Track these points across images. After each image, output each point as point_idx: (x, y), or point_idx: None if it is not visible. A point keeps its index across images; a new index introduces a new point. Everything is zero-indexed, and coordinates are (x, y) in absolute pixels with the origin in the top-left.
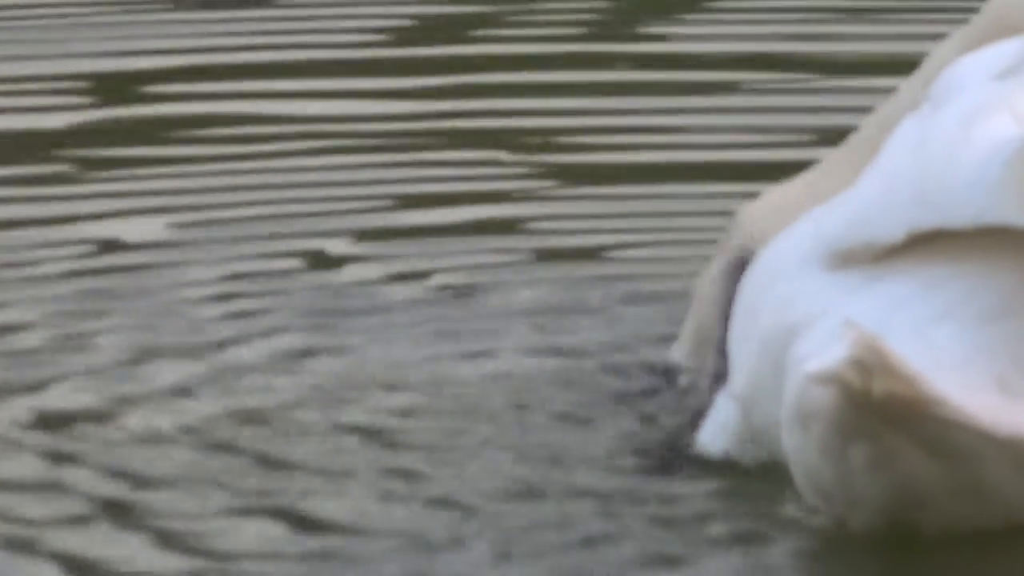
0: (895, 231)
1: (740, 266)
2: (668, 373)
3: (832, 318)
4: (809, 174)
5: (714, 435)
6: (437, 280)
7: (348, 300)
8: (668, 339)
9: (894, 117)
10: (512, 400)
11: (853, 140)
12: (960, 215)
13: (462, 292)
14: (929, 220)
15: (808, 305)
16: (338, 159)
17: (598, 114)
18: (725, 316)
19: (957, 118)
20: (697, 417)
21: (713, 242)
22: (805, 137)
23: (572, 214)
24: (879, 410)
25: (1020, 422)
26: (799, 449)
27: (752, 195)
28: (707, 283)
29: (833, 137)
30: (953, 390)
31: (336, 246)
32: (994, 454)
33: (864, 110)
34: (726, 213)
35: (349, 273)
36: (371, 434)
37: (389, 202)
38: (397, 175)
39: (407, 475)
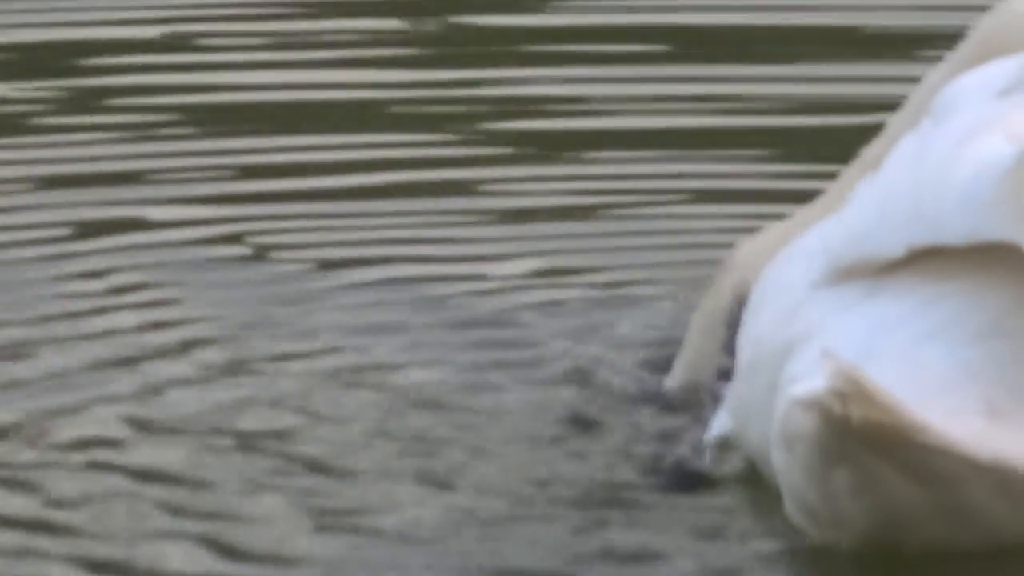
0: (894, 248)
1: (740, 307)
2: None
3: (824, 338)
4: (805, 211)
5: (713, 452)
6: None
7: (285, 290)
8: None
9: (886, 153)
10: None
11: (847, 175)
12: (955, 232)
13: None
14: (925, 237)
15: (805, 321)
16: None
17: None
18: (728, 352)
19: (955, 135)
20: (692, 435)
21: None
22: (739, 105)
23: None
24: (859, 436)
25: (1001, 447)
26: (785, 469)
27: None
28: (702, 316)
29: (764, 105)
30: (934, 416)
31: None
32: (976, 479)
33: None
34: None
35: (286, 263)
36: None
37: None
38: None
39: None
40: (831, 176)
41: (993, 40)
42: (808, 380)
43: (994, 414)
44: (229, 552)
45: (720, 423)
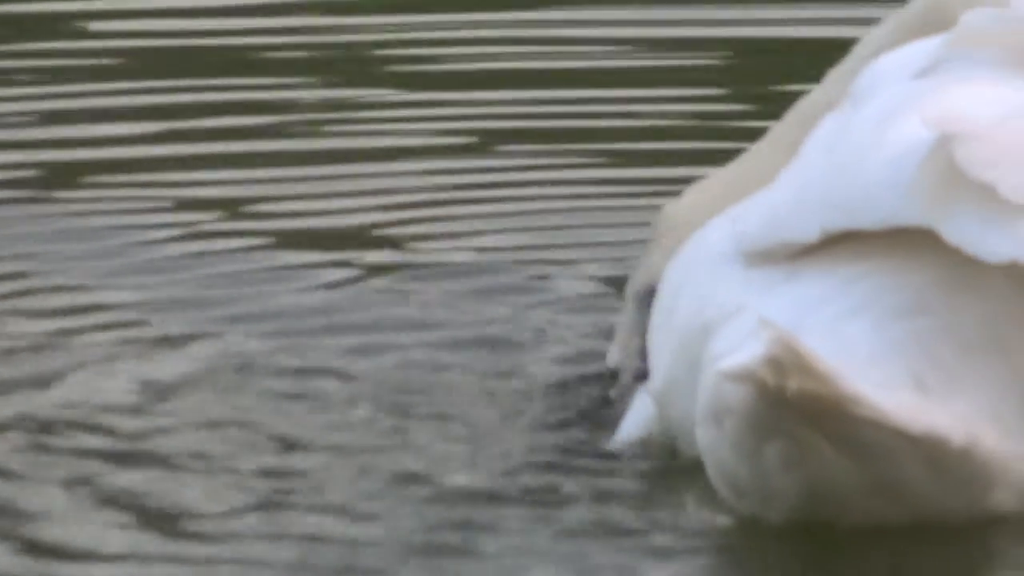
0: (809, 231)
1: (651, 293)
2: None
3: (748, 315)
4: (730, 169)
5: (632, 431)
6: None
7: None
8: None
9: (818, 108)
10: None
11: (776, 132)
12: (871, 216)
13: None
14: (842, 221)
15: (725, 302)
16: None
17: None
18: (642, 335)
19: (872, 118)
20: (614, 414)
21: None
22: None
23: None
24: (794, 408)
25: (933, 420)
26: (713, 445)
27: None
28: (631, 293)
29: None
30: (868, 388)
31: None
32: (908, 451)
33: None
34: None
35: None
36: (242, 428)
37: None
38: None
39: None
40: (745, 115)
41: (936, 10)
42: (737, 354)
43: (922, 388)
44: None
45: (640, 404)
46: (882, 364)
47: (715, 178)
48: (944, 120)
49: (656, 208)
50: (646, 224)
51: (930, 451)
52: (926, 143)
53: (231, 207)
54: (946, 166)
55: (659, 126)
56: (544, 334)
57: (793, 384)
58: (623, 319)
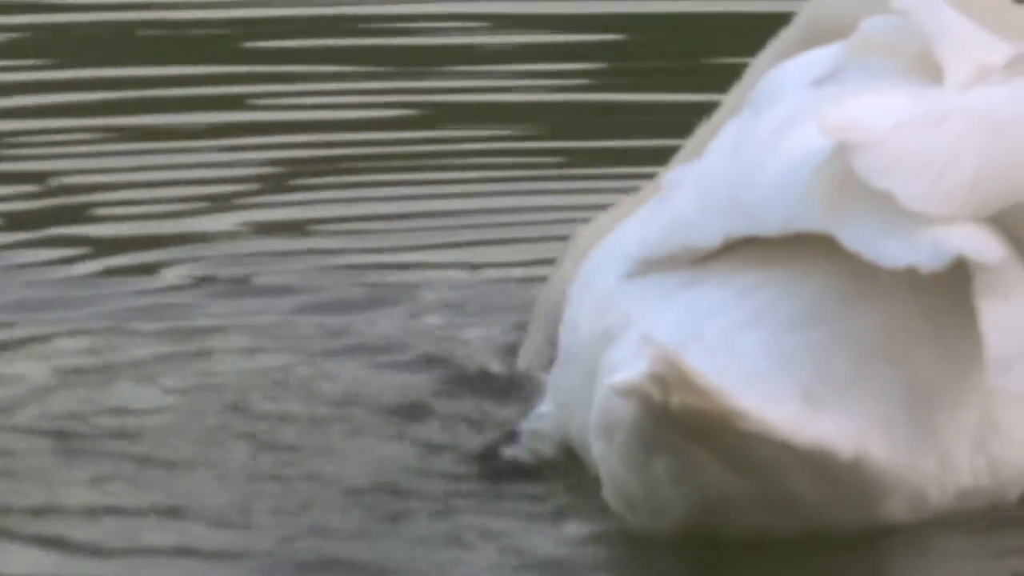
0: (710, 237)
1: (559, 304)
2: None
3: (641, 327)
4: (640, 194)
5: (531, 439)
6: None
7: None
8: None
9: (716, 130)
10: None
11: (686, 149)
12: (770, 222)
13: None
14: (741, 227)
15: (621, 312)
16: None
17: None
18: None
19: (771, 125)
20: (517, 423)
21: None
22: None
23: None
24: (679, 423)
25: (820, 432)
26: (604, 458)
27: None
28: (541, 304)
29: None
30: (753, 402)
31: None
32: (795, 464)
33: None
34: None
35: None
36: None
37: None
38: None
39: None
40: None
41: (816, 27)
42: (627, 368)
43: (810, 400)
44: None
45: (542, 412)
46: (772, 377)
47: (627, 200)
48: (841, 128)
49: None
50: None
51: (817, 463)
52: (824, 151)
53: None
54: (844, 174)
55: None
56: (438, 340)
57: (676, 400)
58: (533, 328)
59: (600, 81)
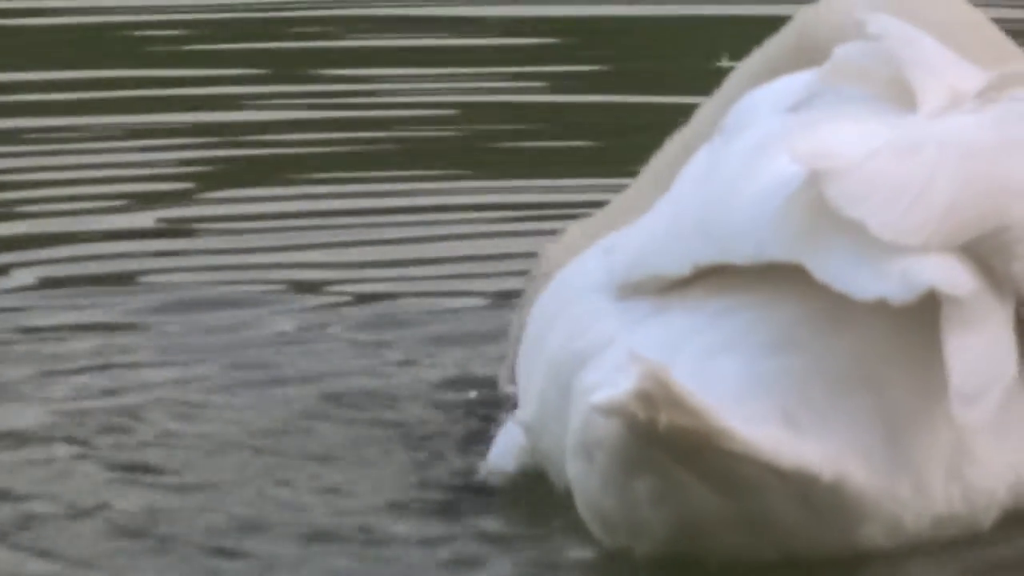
0: (680, 265)
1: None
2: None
3: (619, 348)
4: (609, 208)
5: (501, 462)
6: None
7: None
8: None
9: (694, 142)
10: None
11: (654, 165)
12: (741, 251)
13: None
14: (712, 255)
15: (596, 333)
16: None
17: None
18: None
19: (743, 152)
20: (488, 444)
21: None
22: None
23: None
24: (664, 443)
25: (802, 454)
26: (582, 478)
27: None
28: (514, 326)
29: None
30: (738, 422)
31: None
32: (777, 486)
33: None
34: None
35: None
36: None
37: None
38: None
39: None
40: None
41: (806, 38)
42: (608, 388)
43: (791, 424)
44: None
45: (511, 434)
46: (751, 400)
47: (595, 216)
48: (813, 156)
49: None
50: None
51: (799, 485)
52: (796, 178)
53: None
54: (815, 202)
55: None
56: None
57: (663, 418)
58: (509, 351)
59: (543, 83)
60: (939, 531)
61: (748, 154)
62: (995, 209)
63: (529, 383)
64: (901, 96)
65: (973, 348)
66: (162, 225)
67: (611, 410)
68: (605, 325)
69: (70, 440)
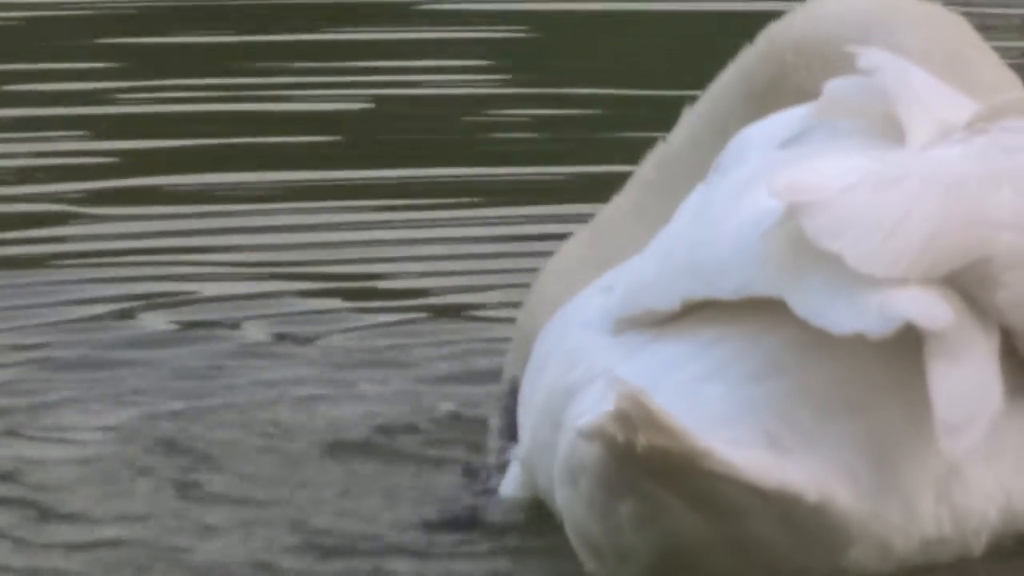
0: (670, 301)
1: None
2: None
3: (607, 378)
4: (594, 224)
5: (504, 494)
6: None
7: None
8: None
9: (672, 156)
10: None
11: (634, 182)
12: (725, 286)
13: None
14: (700, 291)
15: (586, 367)
16: None
17: None
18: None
19: (732, 188)
20: (486, 477)
21: None
22: None
23: None
24: (644, 464)
25: (786, 475)
26: (569, 504)
27: None
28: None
29: None
30: (719, 444)
31: None
32: (761, 507)
33: None
34: None
35: None
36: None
37: None
38: None
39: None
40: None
41: (774, 53)
42: (591, 413)
43: (774, 446)
44: None
45: (511, 469)
46: (736, 423)
47: (576, 239)
48: (791, 190)
49: None
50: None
51: (783, 507)
52: (775, 213)
53: None
54: (794, 236)
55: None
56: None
57: (643, 439)
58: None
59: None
60: (929, 554)
61: (736, 190)
62: (977, 240)
63: (527, 419)
64: (893, 130)
65: (956, 379)
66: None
67: (592, 433)
68: (596, 359)
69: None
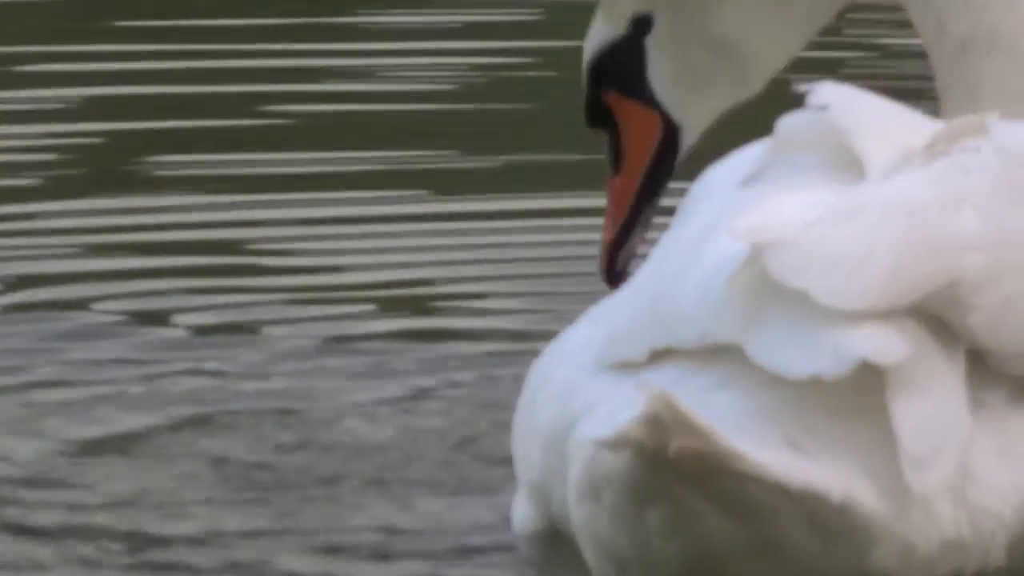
0: (638, 351)
1: None
2: None
3: (612, 400)
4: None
5: (518, 522)
6: None
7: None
8: None
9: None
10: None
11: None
12: (687, 335)
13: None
14: (665, 339)
15: (586, 397)
16: None
17: None
18: None
19: (693, 232)
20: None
21: None
22: None
23: None
24: (675, 468)
25: (811, 475)
26: (590, 521)
27: None
28: None
29: None
30: (748, 445)
31: None
32: (786, 509)
33: None
34: None
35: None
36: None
37: None
38: None
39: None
40: None
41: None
42: (612, 423)
43: (796, 448)
44: None
45: (516, 506)
46: (753, 428)
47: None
48: (753, 231)
49: None
50: None
51: (809, 507)
52: (738, 257)
53: None
54: (758, 278)
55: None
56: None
57: (674, 442)
58: None
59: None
60: (950, 557)
61: (696, 233)
62: (944, 265)
63: (525, 449)
64: (850, 162)
65: (919, 412)
66: None
67: (619, 442)
68: (594, 387)
69: None
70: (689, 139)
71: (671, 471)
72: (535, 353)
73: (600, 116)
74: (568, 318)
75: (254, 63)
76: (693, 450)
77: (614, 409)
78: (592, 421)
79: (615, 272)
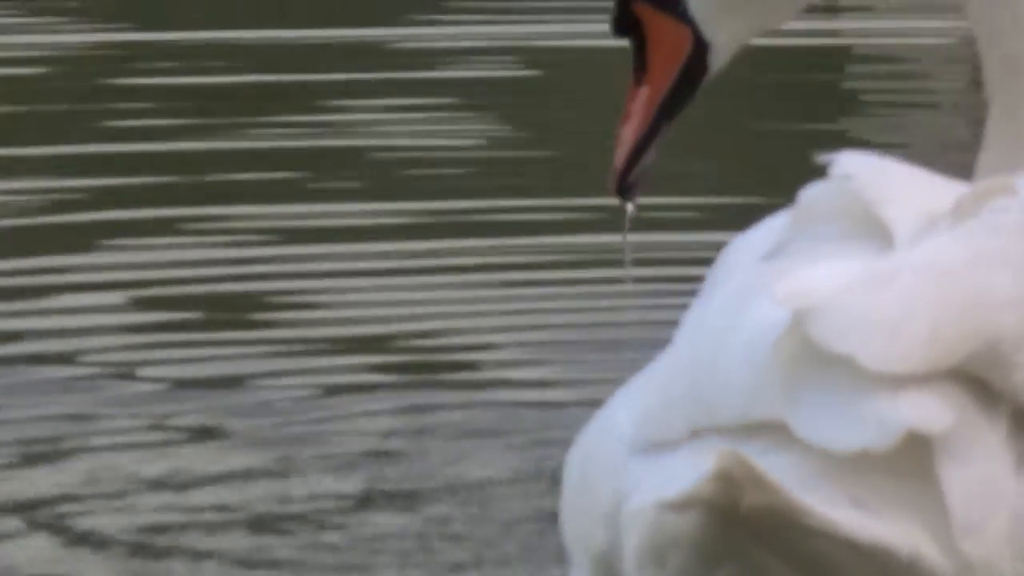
0: (679, 432)
1: None
2: None
3: (660, 471)
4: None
5: None
6: None
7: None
8: None
9: None
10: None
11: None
12: (729, 414)
13: None
14: (705, 419)
15: (629, 476)
16: None
17: None
18: None
19: (723, 306)
20: None
21: None
22: None
23: None
24: (747, 524)
25: (877, 531)
26: None
27: None
28: None
29: None
30: (815, 501)
31: None
32: (855, 564)
33: None
34: None
35: None
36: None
37: None
38: None
39: None
40: None
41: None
42: (674, 485)
43: (861, 506)
44: None
45: None
46: (815, 487)
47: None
48: (794, 296)
49: None
50: None
51: (878, 562)
52: (777, 325)
53: None
54: (801, 347)
55: None
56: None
57: (747, 498)
58: None
59: None
60: None
61: (727, 308)
62: (981, 324)
63: (581, 525)
64: (876, 231)
65: (967, 479)
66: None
67: (688, 501)
68: (636, 466)
69: None
70: (718, 60)
71: (742, 528)
72: (549, 406)
73: (626, 26)
74: (581, 371)
75: (245, 120)
76: (765, 506)
77: (665, 479)
78: (642, 492)
79: (627, 184)
